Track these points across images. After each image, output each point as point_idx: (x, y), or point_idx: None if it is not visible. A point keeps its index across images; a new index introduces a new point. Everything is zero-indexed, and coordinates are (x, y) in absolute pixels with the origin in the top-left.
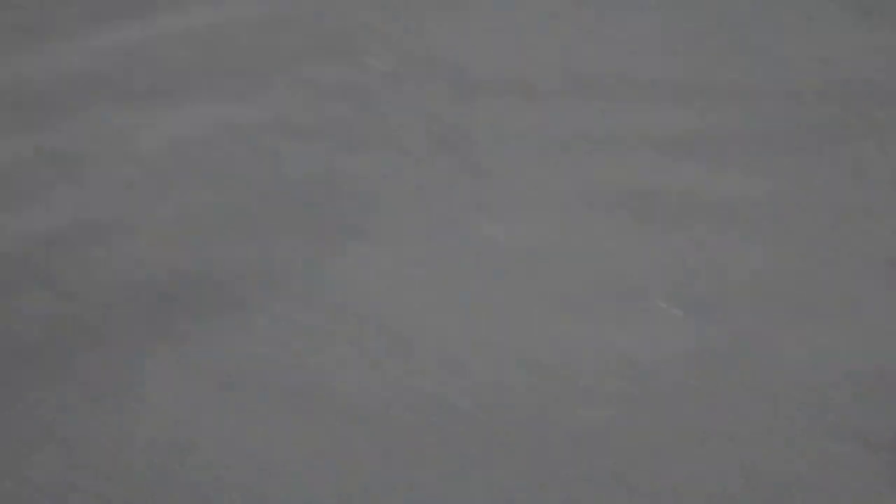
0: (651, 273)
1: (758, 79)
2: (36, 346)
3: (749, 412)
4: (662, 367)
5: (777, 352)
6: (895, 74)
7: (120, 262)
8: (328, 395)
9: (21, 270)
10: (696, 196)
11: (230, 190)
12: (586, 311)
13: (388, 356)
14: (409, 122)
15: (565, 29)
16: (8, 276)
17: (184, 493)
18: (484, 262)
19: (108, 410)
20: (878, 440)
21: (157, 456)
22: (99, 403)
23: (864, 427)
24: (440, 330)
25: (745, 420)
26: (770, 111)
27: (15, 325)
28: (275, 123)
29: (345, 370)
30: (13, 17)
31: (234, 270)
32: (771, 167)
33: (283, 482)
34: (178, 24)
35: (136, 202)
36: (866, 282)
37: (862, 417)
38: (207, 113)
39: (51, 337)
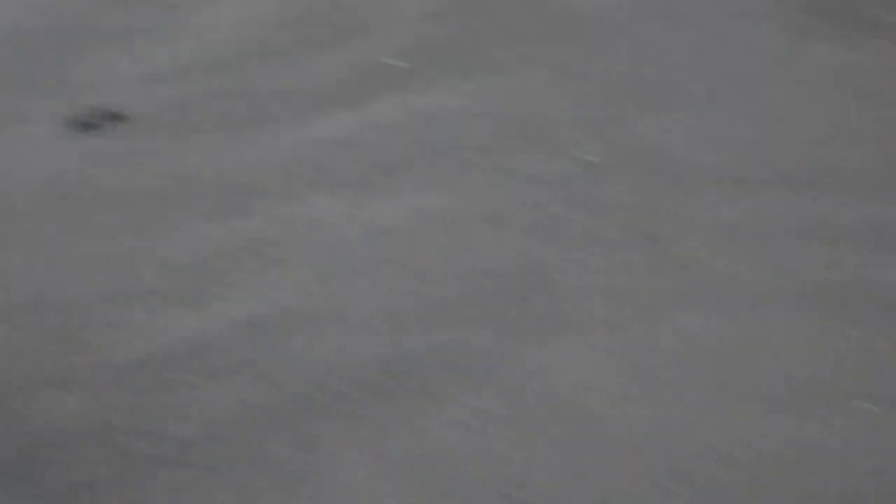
0: (848, 370)
1: None
2: (233, 430)
3: None
4: (853, 461)
5: None
6: None
7: (319, 351)
8: (520, 488)
9: (222, 357)
10: None
11: (428, 279)
12: (780, 406)
13: (582, 449)
14: (610, 211)
15: (772, 113)
16: (209, 362)
17: None
18: (679, 353)
19: (301, 495)
20: None
21: None
22: (291, 488)
23: None
24: (633, 421)
25: None
26: None
27: (215, 409)
28: (474, 212)
29: (538, 463)
30: (223, 107)
31: (430, 360)
32: None
33: None
34: (388, 113)
35: (337, 290)
36: None
37: None
38: (409, 201)
39: (247, 421)
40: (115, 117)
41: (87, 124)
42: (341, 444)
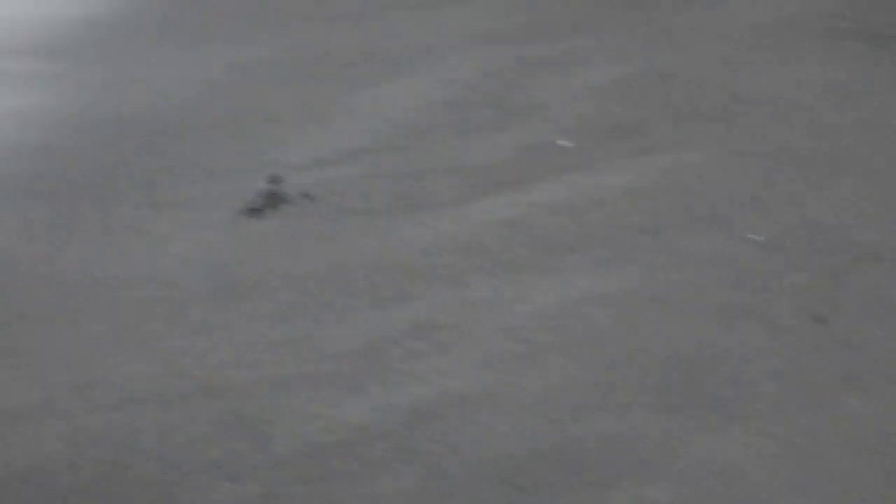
0: None
1: None
2: None
3: None
4: None
5: None
6: None
7: (483, 438)
8: None
9: (384, 444)
10: None
11: (594, 363)
12: None
13: None
14: (778, 291)
15: None
16: (371, 450)
17: None
18: (848, 440)
19: None
20: None
21: None
22: None
23: None
24: None
25: None
26: None
27: (379, 499)
28: (641, 294)
29: None
30: (388, 189)
31: (597, 447)
32: None
33: None
34: (553, 193)
35: (501, 376)
36: None
37: None
38: (575, 283)
39: None
40: (282, 201)
41: (254, 208)
42: None
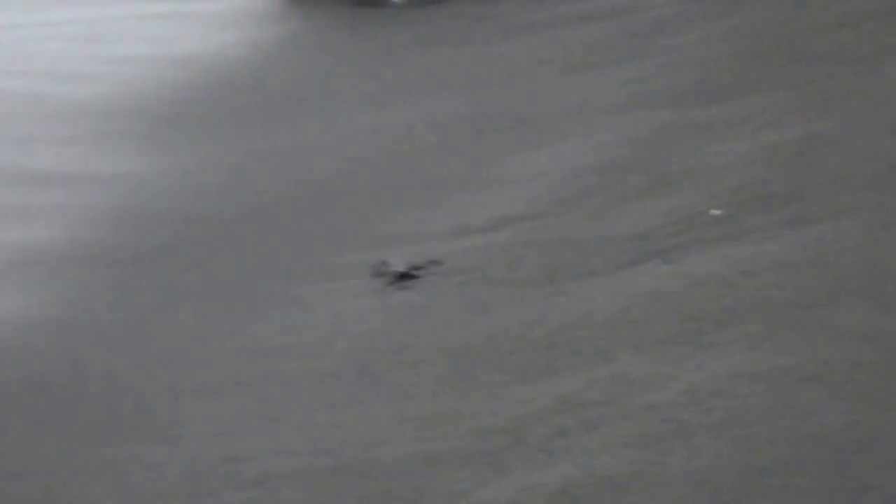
0: None
1: None
2: None
3: None
4: None
5: None
6: None
7: None
8: None
9: None
10: None
11: (749, 444)
12: None
13: None
14: None
15: None
16: None
17: None
18: None
19: None
20: None
21: None
22: None
23: None
24: None
25: None
26: None
27: None
28: (797, 372)
29: None
30: (534, 259)
31: None
32: None
33: None
34: (704, 265)
35: (651, 457)
36: None
37: None
38: (724, 359)
39: None
40: (427, 270)
41: (397, 278)
42: None
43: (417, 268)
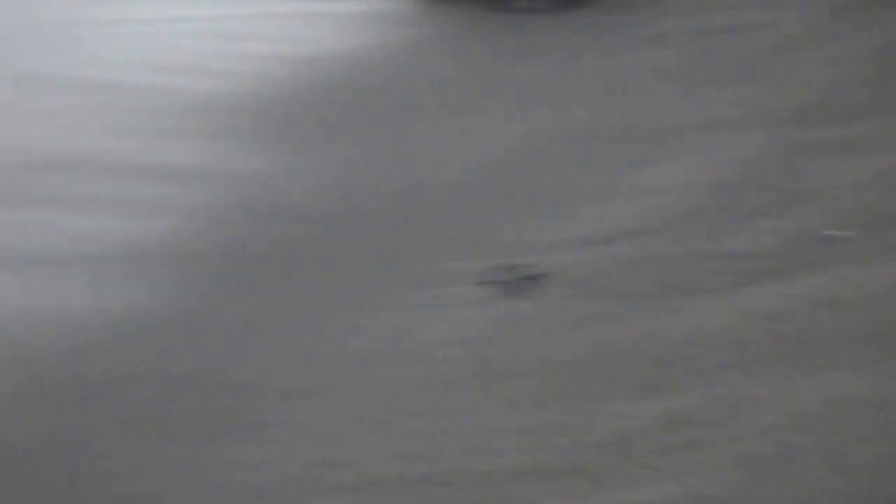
0: None
1: None
2: None
3: None
4: None
5: None
6: None
7: None
8: None
9: None
10: None
11: (856, 470)
12: None
13: None
14: None
15: None
16: None
17: None
18: None
19: None
20: None
21: None
22: None
23: None
24: None
25: None
26: None
27: None
28: None
29: None
30: (649, 273)
31: None
32: None
33: None
34: (821, 286)
35: (754, 477)
36: None
37: None
38: (836, 383)
39: None
40: (538, 281)
41: (510, 287)
42: None
43: (529, 278)
